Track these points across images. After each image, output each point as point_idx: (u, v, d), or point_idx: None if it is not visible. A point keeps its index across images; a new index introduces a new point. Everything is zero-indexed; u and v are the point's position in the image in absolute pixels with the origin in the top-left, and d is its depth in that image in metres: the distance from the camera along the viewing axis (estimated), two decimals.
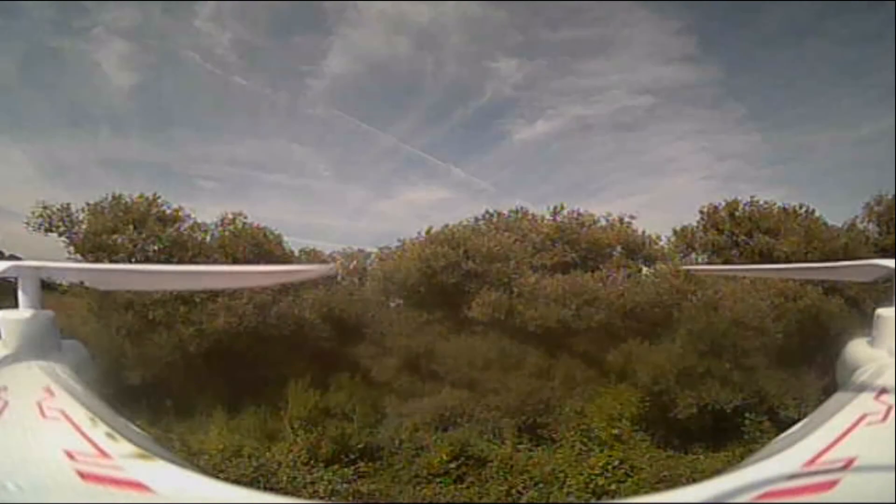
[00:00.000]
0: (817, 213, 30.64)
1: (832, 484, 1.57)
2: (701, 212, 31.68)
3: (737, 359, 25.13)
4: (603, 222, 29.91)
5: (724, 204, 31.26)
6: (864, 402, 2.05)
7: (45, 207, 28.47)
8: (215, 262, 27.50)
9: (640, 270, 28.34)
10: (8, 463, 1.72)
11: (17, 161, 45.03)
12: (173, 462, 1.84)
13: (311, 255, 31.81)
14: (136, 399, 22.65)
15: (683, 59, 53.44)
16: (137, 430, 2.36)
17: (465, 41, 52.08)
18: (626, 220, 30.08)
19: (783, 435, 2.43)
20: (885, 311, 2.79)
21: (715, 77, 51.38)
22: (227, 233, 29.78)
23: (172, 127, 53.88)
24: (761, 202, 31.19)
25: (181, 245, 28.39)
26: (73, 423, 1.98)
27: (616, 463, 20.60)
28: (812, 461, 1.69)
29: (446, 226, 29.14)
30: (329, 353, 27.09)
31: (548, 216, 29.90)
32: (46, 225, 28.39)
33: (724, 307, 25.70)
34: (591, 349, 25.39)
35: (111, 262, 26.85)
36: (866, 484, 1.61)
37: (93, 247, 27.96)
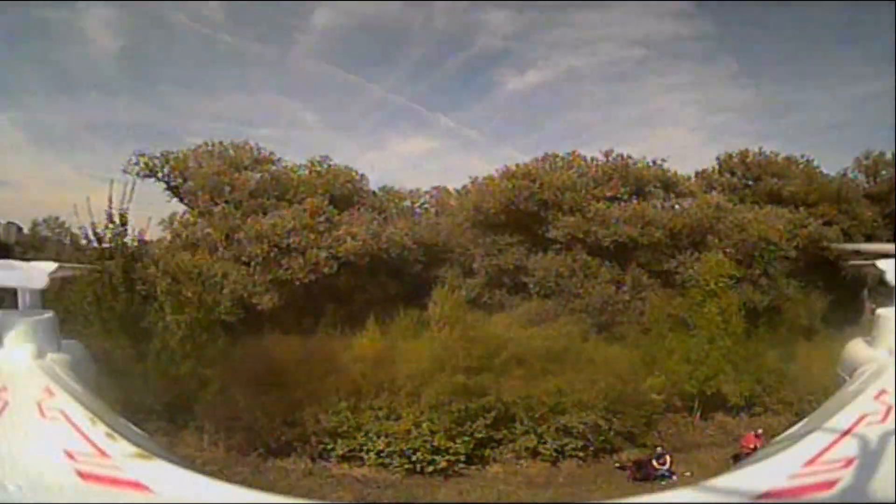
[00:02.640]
0: (815, 163, 41.69)
1: (832, 484, 1.74)
2: (717, 158, 43.01)
3: (764, 267, 35.50)
4: (641, 164, 39.36)
5: (737, 152, 42.03)
6: (864, 402, 2.24)
7: (142, 155, 35.51)
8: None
9: (676, 203, 37.60)
10: (8, 463, 1.87)
11: (5, 129, 48.67)
12: (173, 462, 2.09)
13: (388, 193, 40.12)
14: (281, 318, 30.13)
15: (677, 13, 61.40)
16: (137, 429, 2.64)
17: None
18: (659, 162, 39.69)
19: (783, 435, 2.75)
20: (885, 312, 3.04)
21: (708, 32, 59.49)
22: (312, 173, 37.68)
23: (160, 86, 58.54)
24: (768, 152, 42.51)
25: (280, 182, 35.92)
26: (73, 423, 2.15)
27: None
28: (812, 461, 1.86)
29: (517, 164, 38.96)
30: (421, 275, 35.65)
31: (600, 157, 39.40)
32: (146, 171, 35.33)
33: (750, 227, 35.97)
34: (651, 260, 34.82)
35: (226, 201, 34.38)
36: (866, 484, 1.76)
37: (212, 187, 35.19)
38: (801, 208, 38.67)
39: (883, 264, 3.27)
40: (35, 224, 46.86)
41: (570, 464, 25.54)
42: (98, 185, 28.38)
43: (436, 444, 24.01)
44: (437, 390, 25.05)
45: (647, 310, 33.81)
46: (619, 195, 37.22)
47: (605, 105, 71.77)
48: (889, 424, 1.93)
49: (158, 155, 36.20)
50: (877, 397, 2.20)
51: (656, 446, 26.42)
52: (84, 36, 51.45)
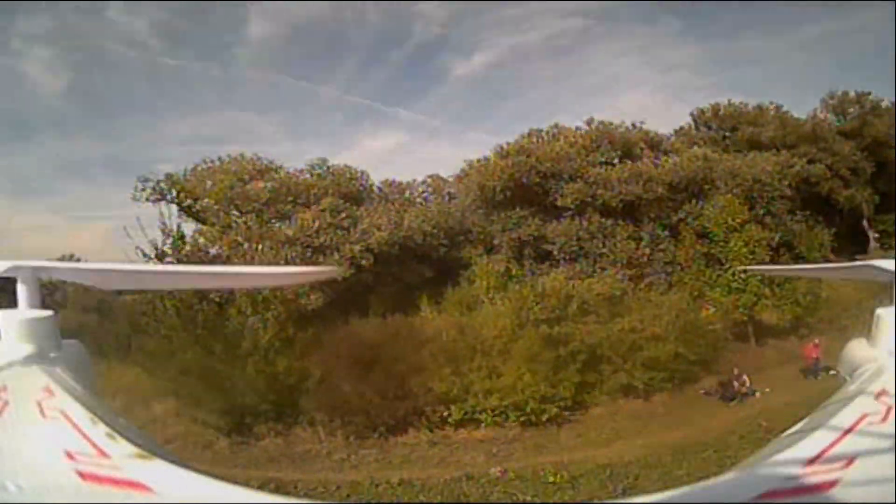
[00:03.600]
0: (784, 108, 45.48)
1: (832, 484, 1.62)
2: (691, 114, 46.18)
3: (766, 207, 39.15)
4: (623, 128, 42.95)
5: (708, 106, 45.64)
6: (864, 402, 2.10)
7: (146, 180, 36.68)
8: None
9: (666, 161, 40.56)
10: (8, 463, 1.78)
11: None
12: (173, 462, 1.92)
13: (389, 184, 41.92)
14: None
15: None
16: (137, 429, 2.43)
17: None
18: (638, 124, 43.41)
19: (783, 435, 2.44)
20: (884, 311, 2.80)
21: None
22: (314, 176, 39.48)
23: (116, 119, 58.15)
24: (738, 102, 45.74)
25: (290, 188, 37.37)
26: (73, 423, 2.02)
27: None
28: (812, 461, 1.73)
29: (508, 143, 42.00)
30: (446, 258, 37.88)
31: (584, 126, 42.80)
32: (156, 196, 36.23)
33: (742, 172, 39.68)
34: (661, 215, 38.00)
35: (244, 212, 35.59)
36: (866, 484, 1.66)
37: (226, 198, 36.39)
38: (783, 151, 42.21)
39: (884, 264, 3.06)
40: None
41: (662, 397, 28.21)
42: (80, 224, 28.80)
43: (542, 392, 26.03)
44: (527, 344, 27.24)
45: (679, 252, 37.35)
46: (610, 159, 40.59)
47: (559, 78, 74.35)
48: (889, 424, 1.87)
49: (163, 178, 37.01)
50: (877, 397, 2.10)
51: (732, 369, 29.30)
52: (29, 79, 50.74)
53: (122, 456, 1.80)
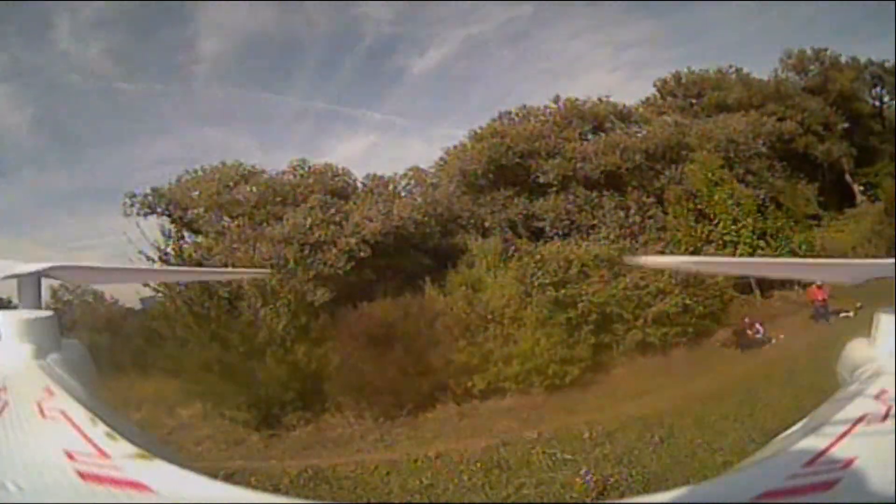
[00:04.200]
0: (745, 70, 46.56)
1: (832, 484, 1.58)
2: (654, 85, 47.00)
3: (744, 166, 40.08)
4: (590, 102, 43.60)
5: (670, 75, 46.65)
6: (864, 402, 2.05)
7: (133, 196, 36.72)
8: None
9: (637, 130, 41.45)
10: (8, 463, 1.75)
11: None
12: (173, 462, 1.87)
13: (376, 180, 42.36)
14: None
15: None
16: (137, 429, 2.41)
17: None
18: (604, 97, 43.97)
19: (783, 435, 2.31)
20: (884, 312, 2.67)
21: None
22: (298, 176, 39.75)
23: (86, 149, 57.81)
24: (698, 70, 46.64)
25: (276, 190, 37.68)
26: (73, 423, 1.99)
27: None
28: (812, 461, 1.69)
29: (480, 127, 42.58)
30: (441, 245, 38.56)
31: (552, 105, 43.37)
32: (146, 210, 36.36)
33: (715, 134, 40.86)
34: (644, 182, 39.23)
35: (235, 216, 35.86)
36: (866, 484, 1.60)
37: (215, 205, 36.65)
38: (752, 111, 43.48)
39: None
40: (55, 291, 45.86)
41: (679, 352, 28.82)
42: (76, 253, 28.73)
43: (561, 355, 26.54)
44: (536, 309, 27.82)
45: (668, 214, 38.12)
46: (583, 133, 41.47)
47: (517, 65, 74.67)
48: (889, 424, 1.84)
49: (150, 192, 37.02)
50: (877, 397, 2.06)
51: (744, 318, 29.92)
52: None
53: (122, 456, 1.80)
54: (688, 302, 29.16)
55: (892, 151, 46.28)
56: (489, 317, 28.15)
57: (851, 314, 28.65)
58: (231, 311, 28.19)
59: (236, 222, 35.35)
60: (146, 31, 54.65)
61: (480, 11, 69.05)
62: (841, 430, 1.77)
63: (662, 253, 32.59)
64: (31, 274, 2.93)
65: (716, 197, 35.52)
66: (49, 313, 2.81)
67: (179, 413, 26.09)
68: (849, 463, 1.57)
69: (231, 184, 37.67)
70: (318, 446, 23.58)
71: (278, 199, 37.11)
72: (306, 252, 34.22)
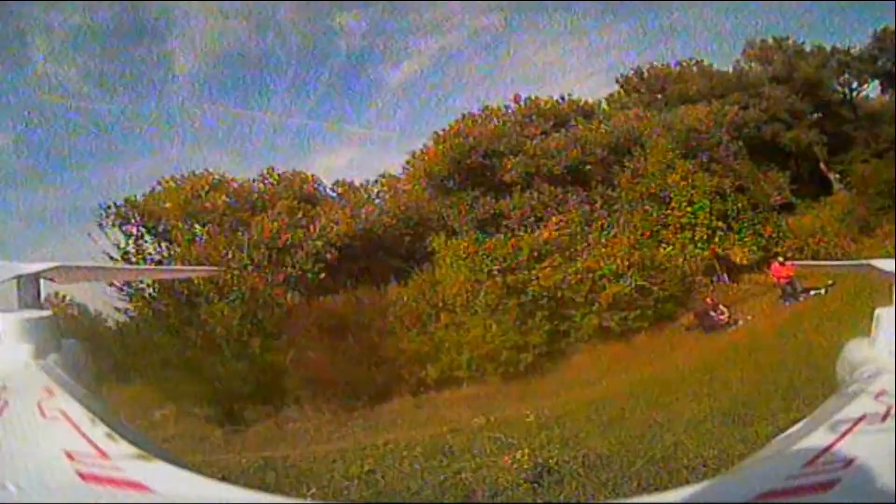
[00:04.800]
0: (706, 62, 46.65)
1: (832, 484, 1.52)
2: (616, 80, 47.26)
3: (708, 153, 40.16)
4: (552, 101, 44.16)
5: (631, 71, 47.07)
6: (864, 402, 1.95)
7: (108, 207, 36.51)
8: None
9: (599, 126, 41.60)
10: (8, 463, 1.71)
11: None
12: (173, 462, 1.81)
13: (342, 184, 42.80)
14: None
15: None
16: (138, 430, 2.36)
17: (294, 8, 60.14)
18: (566, 96, 44.73)
19: (783, 435, 2.22)
20: (884, 311, 2.48)
21: None
22: (267, 184, 40.33)
23: (68, 167, 58.20)
24: (658, 64, 47.06)
25: (245, 197, 38.31)
26: (73, 423, 1.93)
27: None
28: (812, 461, 1.60)
29: (444, 129, 42.53)
30: (410, 248, 38.54)
31: (512, 105, 43.85)
32: (121, 219, 36.76)
33: (675, 124, 41.05)
34: (609, 176, 39.18)
35: (204, 224, 36.36)
36: (866, 484, 1.58)
37: (186, 214, 36.98)
38: (714, 102, 43.37)
39: (883, 264, 2.86)
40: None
41: (642, 337, 28.41)
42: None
43: (513, 341, 26.31)
44: (485, 295, 27.61)
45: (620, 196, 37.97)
46: (545, 130, 41.48)
47: (492, 73, 74.53)
48: (889, 424, 1.72)
49: (122, 203, 37.45)
50: (877, 397, 1.94)
51: (706, 299, 29.52)
52: None
53: (122, 456, 1.74)
54: (643, 284, 28.66)
55: (866, 138, 46.24)
56: (440, 304, 28.11)
57: (823, 291, 27.98)
58: (191, 308, 28.36)
59: (206, 230, 35.93)
60: (121, 50, 54.66)
61: (453, 20, 69.22)
62: (841, 430, 1.75)
63: (615, 237, 32.68)
64: (31, 274, 2.93)
65: (669, 180, 34.93)
66: (49, 313, 2.75)
67: (154, 414, 26.34)
68: (849, 463, 1.56)
69: (202, 193, 38.01)
70: (276, 440, 23.45)
71: (247, 206, 37.75)
72: (275, 256, 34.81)
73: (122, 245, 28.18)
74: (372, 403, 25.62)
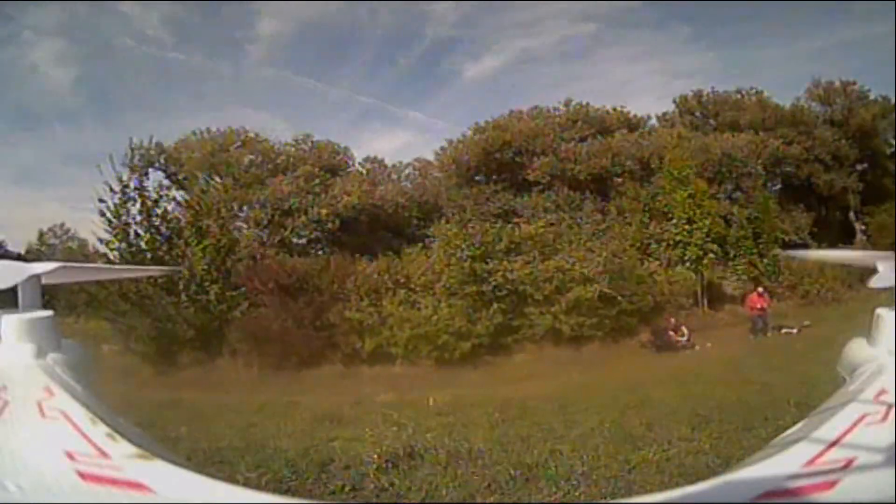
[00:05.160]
0: (766, 94, 44.03)
1: (832, 484, 1.57)
2: (674, 101, 44.97)
3: (735, 182, 37.49)
4: (602, 109, 42.25)
5: (692, 93, 44.65)
6: (864, 402, 2.04)
7: (137, 147, 36.41)
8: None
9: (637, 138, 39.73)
10: (8, 463, 1.74)
11: None
12: (173, 462, 1.89)
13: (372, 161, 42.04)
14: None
15: None
16: (138, 430, 2.41)
17: None
18: (619, 107, 42.59)
19: (783, 435, 2.36)
20: (884, 311, 2.64)
21: None
22: (298, 150, 39.56)
23: (124, 113, 58.78)
24: (721, 91, 44.68)
25: (271, 158, 37.80)
26: (73, 423, 1.97)
27: None
28: (812, 461, 1.68)
29: (486, 121, 41.16)
30: (417, 233, 37.16)
31: (561, 108, 42.07)
32: (145, 163, 36.61)
33: (712, 147, 39.06)
34: (631, 189, 36.68)
35: (223, 177, 36.02)
36: (866, 484, 1.61)
37: (209, 165, 36.72)
38: (760, 133, 40.68)
39: (882, 264, 2.86)
40: (42, 233, 47.17)
41: (593, 346, 26.35)
42: (87, 216, 28.66)
43: (457, 328, 24.90)
44: (449, 276, 26.46)
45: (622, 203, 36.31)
46: (583, 136, 39.82)
47: (566, 83, 72.68)
48: (889, 424, 1.82)
49: (154, 146, 37.41)
50: (877, 397, 2.05)
51: (669, 318, 27.29)
52: (38, 71, 51.12)
53: (122, 456, 1.77)
54: (609, 292, 26.43)
55: None
56: (401, 281, 27.05)
57: (795, 331, 25.79)
58: (169, 248, 27.60)
59: (223, 182, 35.56)
60: (210, 5, 54.03)
61: (544, 24, 67.51)
62: (841, 430, 1.79)
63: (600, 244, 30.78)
64: (32, 276, 2.93)
65: (676, 195, 32.50)
66: (49, 313, 2.81)
67: (102, 348, 26.00)
68: (849, 463, 1.59)
69: (230, 147, 37.99)
70: (199, 385, 23.12)
71: (269, 165, 37.38)
72: (278, 217, 34.30)
73: (125, 179, 27.12)
74: (301, 366, 24.68)
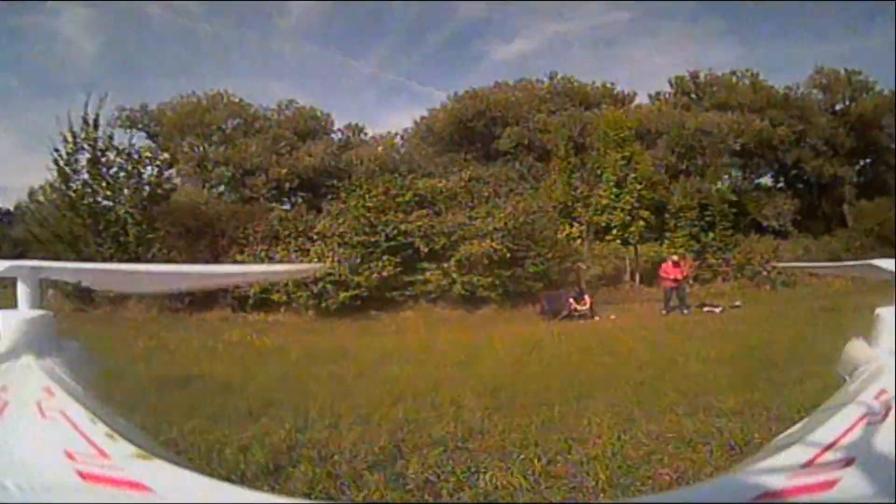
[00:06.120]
0: (761, 76, 42.28)
1: (832, 484, 1.44)
2: (669, 81, 43.79)
3: (708, 158, 36.09)
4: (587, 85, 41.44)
5: (687, 73, 43.36)
6: (864, 402, 1.98)
7: (122, 109, 37.82)
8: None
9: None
10: (8, 463, 1.71)
11: None
12: (173, 462, 1.84)
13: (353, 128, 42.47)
14: None
15: None
16: (137, 429, 2.21)
17: None
18: (609, 84, 41.62)
19: (783, 435, 2.13)
20: (885, 311, 2.31)
21: None
22: (283, 117, 40.11)
23: (146, 81, 60.29)
24: (718, 73, 43.22)
25: (252, 124, 38.68)
26: (73, 423, 1.92)
27: None
28: (812, 461, 1.50)
29: (466, 90, 40.80)
30: None
31: (545, 79, 41.68)
32: (128, 123, 37.92)
33: (688, 122, 37.97)
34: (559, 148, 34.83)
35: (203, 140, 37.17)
36: (866, 484, 1.47)
37: (183, 126, 37.80)
38: (747, 113, 39.16)
39: (884, 263, 2.81)
40: (32, 191, 48.50)
41: (487, 310, 25.48)
42: None
43: (339, 276, 24.49)
44: (342, 228, 26.06)
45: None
46: (562, 109, 39.01)
47: (595, 69, 70.90)
48: (889, 424, 1.78)
49: (138, 108, 38.88)
50: (877, 397, 1.99)
51: (574, 286, 25.29)
52: (62, 37, 52.44)
53: (122, 456, 1.74)
54: (499, 249, 25.17)
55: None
56: (300, 229, 26.83)
57: (718, 310, 22.96)
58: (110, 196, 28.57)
59: (195, 142, 36.78)
60: None
61: (577, 10, 66.19)
62: (841, 430, 1.74)
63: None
64: (30, 272, 2.85)
65: (608, 156, 30.49)
66: (49, 313, 2.72)
67: (48, 293, 27.34)
68: (849, 463, 1.55)
69: (210, 110, 38.84)
70: (102, 322, 23.90)
71: (243, 128, 38.36)
72: (239, 175, 35.22)
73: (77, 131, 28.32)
74: (193, 309, 25.23)
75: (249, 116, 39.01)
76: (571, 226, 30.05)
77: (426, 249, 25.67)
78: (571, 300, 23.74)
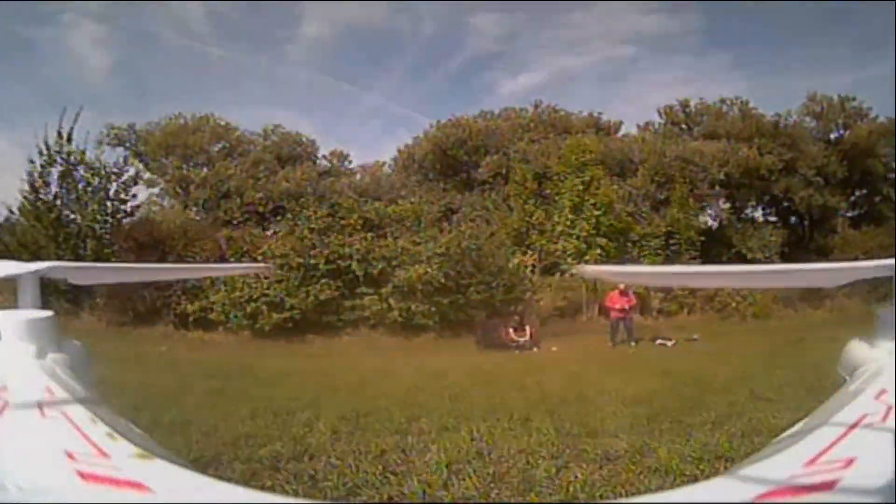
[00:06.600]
0: (750, 104, 41.37)
1: (832, 484, 1.46)
2: (658, 111, 43.19)
3: (689, 188, 35.15)
4: (571, 114, 41.49)
5: (677, 102, 42.74)
6: (864, 402, 1.97)
7: (113, 127, 38.64)
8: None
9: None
10: (8, 463, 1.71)
11: (4, 151, 49.62)
12: (173, 462, 1.87)
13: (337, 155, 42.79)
14: None
15: (663, 8, 59.78)
16: (138, 429, 2.36)
17: None
18: (596, 114, 41.47)
19: (783, 435, 2.21)
20: (885, 311, 2.54)
21: (697, 26, 57.66)
22: (269, 142, 40.64)
23: (155, 103, 60.88)
24: (708, 101, 42.62)
25: (236, 147, 39.17)
26: (73, 423, 1.95)
27: None
28: (812, 461, 1.63)
29: (448, 118, 40.88)
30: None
31: (530, 108, 41.58)
32: (116, 142, 38.59)
33: (669, 151, 37.17)
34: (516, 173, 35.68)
35: (185, 161, 37.78)
36: (866, 484, 1.44)
37: (167, 146, 38.50)
38: (733, 142, 38.17)
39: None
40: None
41: (426, 338, 25.14)
42: None
43: (271, 298, 24.71)
44: (283, 244, 26.24)
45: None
46: (543, 139, 38.58)
47: (600, 104, 69.80)
48: (889, 424, 1.82)
49: (125, 127, 39.64)
50: (877, 397, 2.04)
51: (514, 316, 24.59)
52: (73, 54, 53.26)
53: (122, 456, 1.78)
54: (436, 276, 24.83)
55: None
56: (245, 249, 27.04)
57: (670, 343, 22.22)
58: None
59: (176, 163, 37.35)
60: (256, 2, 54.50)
61: (584, 45, 65.74)
62: (841, 430, 1.79)
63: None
64: (31, 273, 2.95)
65: (567, 182, 29.57)
66: (49, 313, 2.79)
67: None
68: (849, 463, 1.58)
69: (195, 131, 39.44)
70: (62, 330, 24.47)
71: (225, 151, 38.85)
72: (216, 197, 35.59)
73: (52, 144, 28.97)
74: (138, 324, 25.53)
75: (234, 140, 39.17)
76: (525, 253, 29.43)
77: (361, 273, 25.54)
78: (511, 330, 23.09)
